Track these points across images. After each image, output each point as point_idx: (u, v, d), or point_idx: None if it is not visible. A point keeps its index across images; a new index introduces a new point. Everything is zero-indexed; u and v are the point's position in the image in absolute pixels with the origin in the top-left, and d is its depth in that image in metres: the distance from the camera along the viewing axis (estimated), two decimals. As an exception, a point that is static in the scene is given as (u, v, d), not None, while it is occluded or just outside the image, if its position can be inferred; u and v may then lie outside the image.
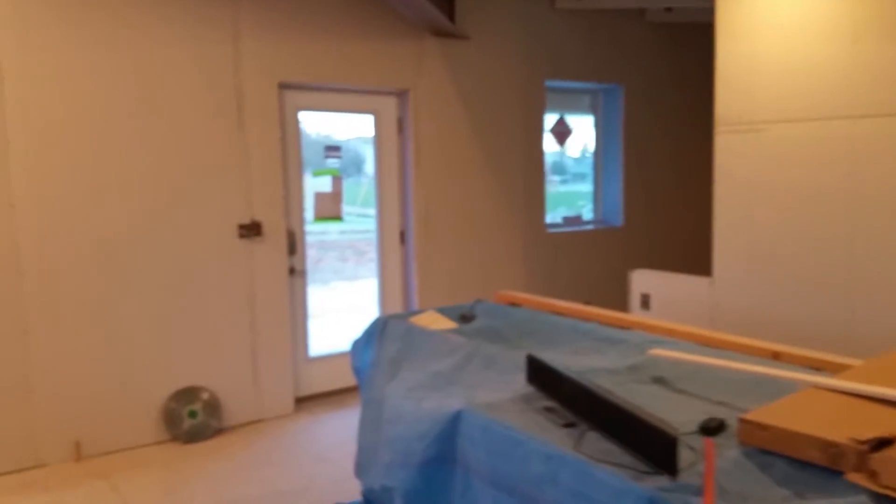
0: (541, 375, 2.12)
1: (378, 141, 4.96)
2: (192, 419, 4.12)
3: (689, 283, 3.94)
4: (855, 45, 3.08)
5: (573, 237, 5.77)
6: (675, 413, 1.82)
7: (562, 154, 6.22)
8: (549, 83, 5.55)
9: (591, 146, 6.17)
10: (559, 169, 6.30)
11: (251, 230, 4.36)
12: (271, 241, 4.44)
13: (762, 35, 3.44)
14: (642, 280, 4.15)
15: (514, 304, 3.58)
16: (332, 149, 4.82)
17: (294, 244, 4.63)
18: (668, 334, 2.72)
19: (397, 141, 5.02)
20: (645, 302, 4.12)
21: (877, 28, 3.00)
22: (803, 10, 3.27)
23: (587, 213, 6.20)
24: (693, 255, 6.60)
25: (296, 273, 4.65)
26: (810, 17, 3.25)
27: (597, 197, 6.20)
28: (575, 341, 2.75)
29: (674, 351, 2.34)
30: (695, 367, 2.23)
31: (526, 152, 5.46)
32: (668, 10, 5.83)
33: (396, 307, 5.08)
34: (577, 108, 6.09)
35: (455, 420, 2.06)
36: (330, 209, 4.81)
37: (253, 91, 4.29)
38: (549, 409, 1.99)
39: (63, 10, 3.70)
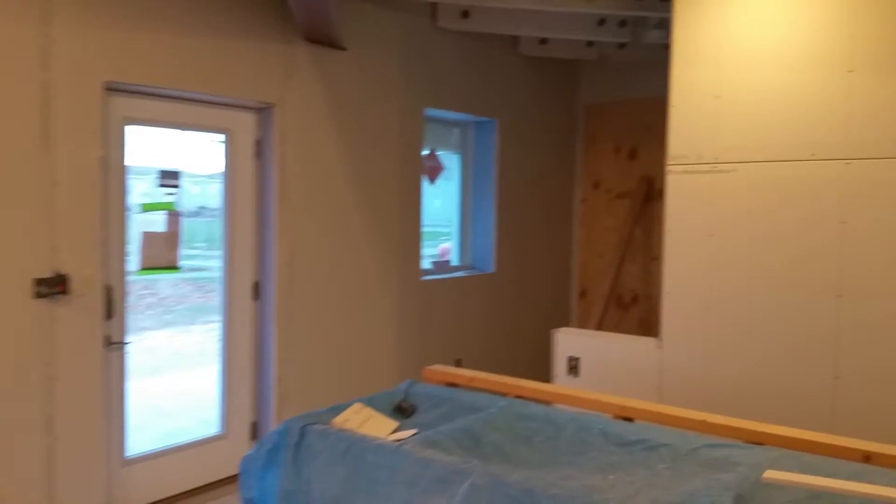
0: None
1: (230, 168, 3.87)
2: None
3: (628, 344, 3.38)
4: (850, 75, 2.73)
5: (444, 285, 5.05)
6: None
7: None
8: (430, 112, 4.84)
9: (456, 184, 5.54)
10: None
11: (53, 286, 3.06)
12: (81, 301, 3.17)
13: (731, 61, 3.02)
14: (569, 341, 3.52)
15: (450, 384, 2.75)
16: (170, 175, 3.64)
17: (112, 305, 3.37)
18: (660, 420, 2.08)
19: (254, 168, 3.97)
20: (573, 367, 3.49)
21: (876, 57, 2.67)
22: (787, 34, 2.89)
23: (453, 258, 5.54)
24: (560, 306, 6.21)
25: (113, 345, 3.38)
26: (796, 43, 2.88)
27: (464, 240, 5.56)
28: (593, 450, 1.99)
29: (790, 473, 1.68)
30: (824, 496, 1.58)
31: (403, 189, 4.66)
32: (543, 42, 5.44)
33: (245, 387, 3.96)
34: (446, 143, 5.44)
35: None
36: (162, 255, 3.60)
37: (67, 93, 3.04)
38: None
39: None
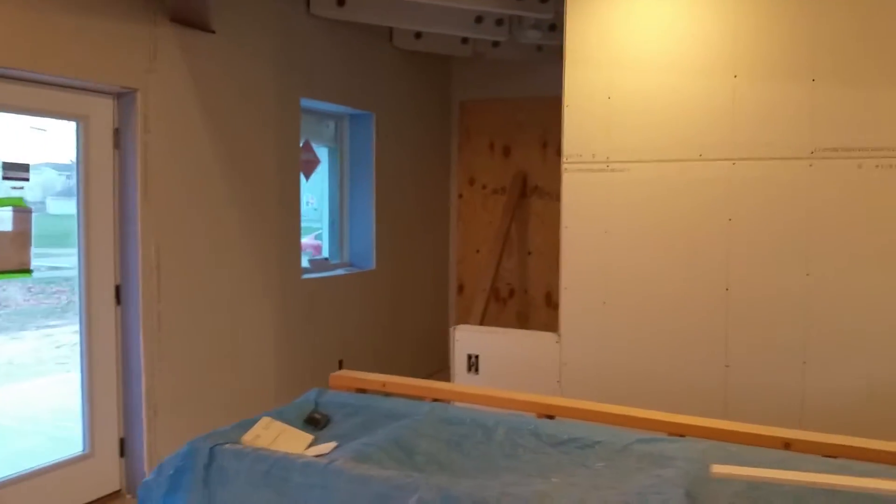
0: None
1: (85, 159, 3.44)
2: None
3: (528, 340, 3.40)
4: (734, 80, 2.88)
5: (325, 283, 4.84)
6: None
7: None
8: (304, 102, 4.60)
9: (327, 179, 5.35)
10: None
11: None
12: None
13: (621, 63, 3.09)
14: (468, 338, 3.48)
15: (360, 391, 2.60)
16: (16, 168, 3.17)
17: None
18: (583, 416, 2.10)
19: (113, 160, 3.55)
20: (473, 365, 3.45)
21: (759, 63, 2.84)
22: (675, 39, 3.00)
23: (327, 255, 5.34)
24: (440, 302, 6.19)
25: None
26: (684, 47, 2.99)
27: (341, 237, 5.38)
28: (528, 452, 1.94)
29: (737, 466, 1.70)
30: (780, 489, 1.62)
31: (281, 183, 4.40)
32: (418, 36, 5.36)
33: (111, 400, 3.55)
34: (320, 136, 5.22)
35: None
36: (10, 257, 3.13)
37: None
38: None
39: None
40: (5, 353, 3.65)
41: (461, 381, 3.47)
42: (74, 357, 3.50)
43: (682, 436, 2.08)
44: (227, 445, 1.90)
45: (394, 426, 2.10)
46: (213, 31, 3.87)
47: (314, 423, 2.24)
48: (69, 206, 3.49)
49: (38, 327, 3.59)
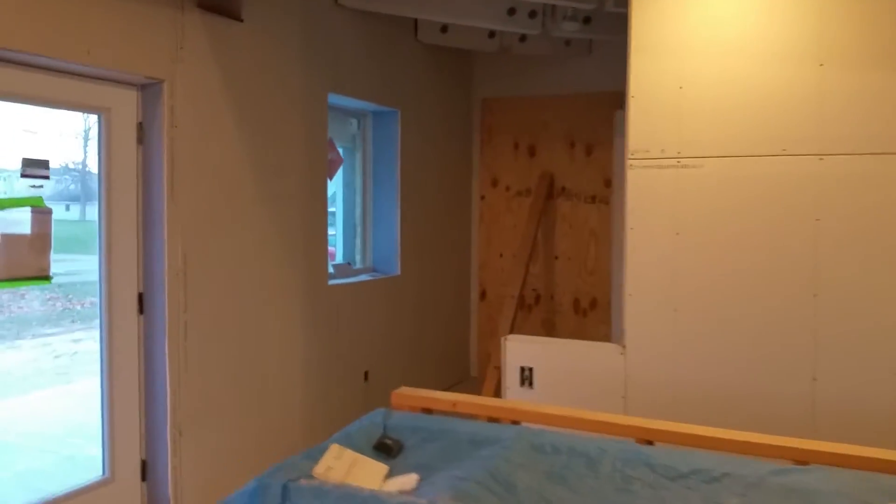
0: None
1: (106, 156, 3.18)
2: None
3: (587, 351, 3.16)
4: (821, 69, 2.66)
5: (350, 290, 4.59)
6: None
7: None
8: (330, 99, 4.35)
9: (348, 180, 5.09)
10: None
11: None
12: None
13: (694, 50, 2.86)
14: (520, 349, 3.24)
15: (426, 411, 2.35)
16: (36, 164, 2.90)
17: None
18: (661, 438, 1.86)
19: (137, 156, 3.29)
20: (526, 378, 3.21)
21: (848, 50, 2.61)
22: (753, 24, 2.77)
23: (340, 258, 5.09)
24: (462, 309, 5.96)
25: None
26: (763, 33, 2.76)
27: (365, 241, 5.12)
28: (644, 486, 1.70)
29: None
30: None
31: (308, 183, 4.15)
32: (444, 30, 5.13)
33: (133, 419, 3.28)
34: (342, 135, 4.97)
35: None
36: (27, 264, 2.86)
37: None
38: None
39: None
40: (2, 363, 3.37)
41: (514, 395, 3.23)
42: (75, 367, 3.24)
43: (805, 463, 1.85)
44: (302, 481, 1.65)
45: (482, 455, 1.85)
46: (242, 20, 3.61)
47: (386, 450, 2.00)
48: (58, 211, 3.21)
49: (34, 336, 3.32)
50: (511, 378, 3.26)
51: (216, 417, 3.53)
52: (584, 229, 5.53)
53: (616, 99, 5.37)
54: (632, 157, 2.97)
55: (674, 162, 2.89)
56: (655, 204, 2.93)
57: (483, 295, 5.94)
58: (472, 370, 6.00)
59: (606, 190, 5.44)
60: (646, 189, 2.95)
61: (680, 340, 2.90)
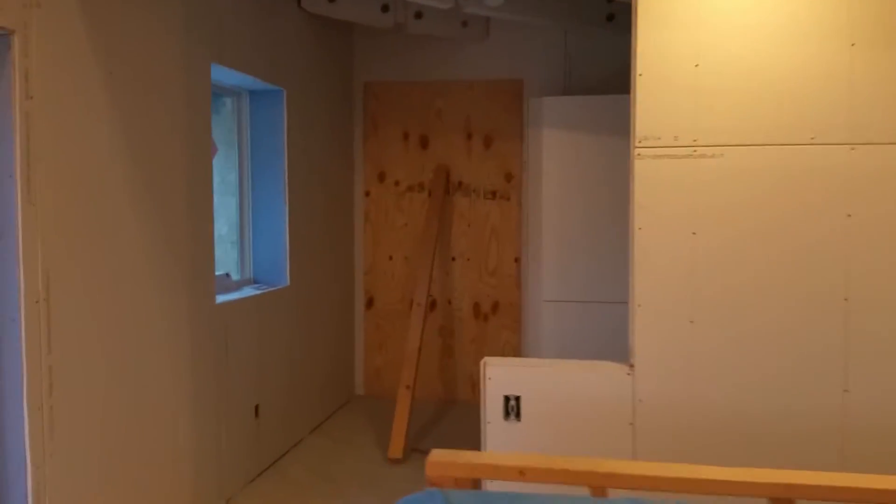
0: None
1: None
2: None
3: (586, 372, 2.72)
4: (852, 49, 2.42)
5: (240, 307, 3.76)
6: None
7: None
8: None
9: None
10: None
11: None
12: None
13: (712, 24, 2.52)
14: (504, 375, 2.72)
15: (475, 482, 1.74)
16: None
17: None
18: None
19: (-31, 138, 2.27)
20: (512, 409, 2.70)
21: (883, 29, 2.40)
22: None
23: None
24: (347, 319, 5.29)
25: None
26: (787, 9, 2.48)
27: (242, 247, 4.27)
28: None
29: None
30: None
31: (191, 176, 3.27)
32: None
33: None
34: (214, 119, 4.07)
35: None
36: None
37: None
38: None
39: None
40: None
41: (497, 430, 2.70)
42: None
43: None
44: None
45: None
46: (112, -42, 2.68)
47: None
48: None
49: None
50: (493, 410, 2.72)
51: (90, 490, 2.59)
52: (485, 227, 5.11)
53: (517, 87, 5.00)
54: (640, 144, 2.56)
55: (689, 151, 2.53)
56: (667, 200, 2.56)
57: (370, 303, 5.30)
58: (358, 388, 5.35)
59: (508, 185, 5.06)
60: (656, 183, 2.56)
61: (698, 355, 2.56)
